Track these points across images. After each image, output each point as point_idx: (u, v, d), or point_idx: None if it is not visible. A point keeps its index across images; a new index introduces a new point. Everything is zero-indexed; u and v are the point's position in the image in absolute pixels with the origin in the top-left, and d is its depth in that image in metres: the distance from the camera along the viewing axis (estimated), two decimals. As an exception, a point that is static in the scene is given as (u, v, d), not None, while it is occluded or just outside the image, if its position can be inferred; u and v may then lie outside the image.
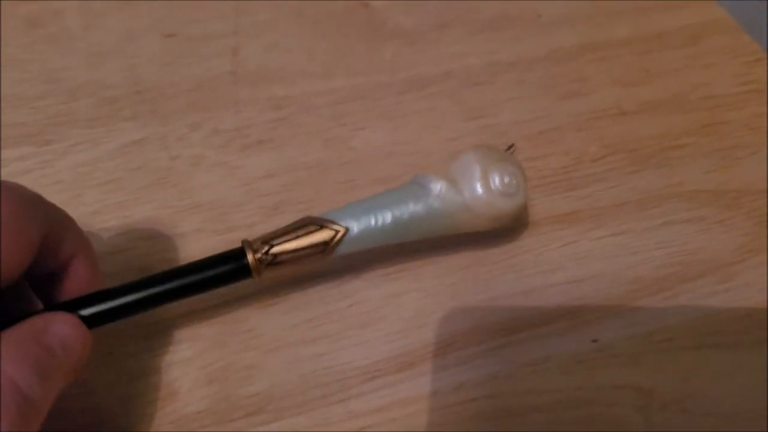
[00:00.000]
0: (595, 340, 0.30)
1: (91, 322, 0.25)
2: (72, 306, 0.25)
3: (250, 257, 0.27)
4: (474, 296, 0.31)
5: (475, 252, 0.32)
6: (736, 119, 0.39)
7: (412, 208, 0.29)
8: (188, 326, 0.30)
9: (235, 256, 0.27)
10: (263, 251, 0.27)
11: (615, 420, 0.28)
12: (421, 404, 0.28)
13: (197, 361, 0.29)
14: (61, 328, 0.23)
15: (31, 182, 0.33)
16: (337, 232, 0.28)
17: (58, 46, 0.40)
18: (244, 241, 0.27)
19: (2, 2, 0.41)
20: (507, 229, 0.32)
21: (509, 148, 0.35)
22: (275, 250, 0.27)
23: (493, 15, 0.44)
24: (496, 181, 0.29)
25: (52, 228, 0.24)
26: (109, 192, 0.33)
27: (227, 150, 0.35)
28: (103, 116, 0.36)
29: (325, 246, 0.28)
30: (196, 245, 0.32)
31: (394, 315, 0.30)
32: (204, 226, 0.33)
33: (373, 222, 0.28)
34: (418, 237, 0.30)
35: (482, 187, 0.29)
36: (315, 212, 0.33)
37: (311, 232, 0.28)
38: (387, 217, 0.28)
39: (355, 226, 0.28)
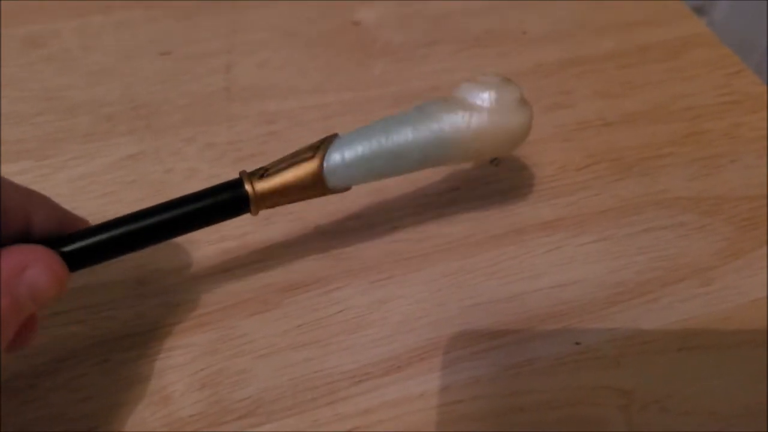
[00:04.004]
0: (578, 343, 0.30)
1: (79, 259, 0.24)
2: (58, 244, 0.24)
3: (248, 188, 0.27)
4: (459, 302, 0.32)
5: (460, 259, 0.33)
6: (716, 129, 0.40)
7: (416, 131, 0.29)
8: (182, 334, 0.30)
9: (233, 186, 0.27)
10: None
11: (597, 420, 0.29)
12: (408, 406, 0.29)
13: (191, 366, 0.29)
14: (37, 277, 0.21)
15: (29, 196, 0.34)
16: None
17: (57, 65, 0.41)
18: (242, 173, 0.27)
19: (2, 24, 0.42)
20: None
21: (493, 160, 0.36)
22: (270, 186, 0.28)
23: (480, 32, 0.45)
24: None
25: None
26: (106, 204, 0.34)
27: (220, 163, 0.36)
28: (99, 132, 0.37)
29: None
30: (190, 255, 0.33)
31: (382, 321, 0.31)
32: (198, 236, 0.33)
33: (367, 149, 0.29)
34: (420, 165, 0.29)
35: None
36: (306, 222, 0.34)
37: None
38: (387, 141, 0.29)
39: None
